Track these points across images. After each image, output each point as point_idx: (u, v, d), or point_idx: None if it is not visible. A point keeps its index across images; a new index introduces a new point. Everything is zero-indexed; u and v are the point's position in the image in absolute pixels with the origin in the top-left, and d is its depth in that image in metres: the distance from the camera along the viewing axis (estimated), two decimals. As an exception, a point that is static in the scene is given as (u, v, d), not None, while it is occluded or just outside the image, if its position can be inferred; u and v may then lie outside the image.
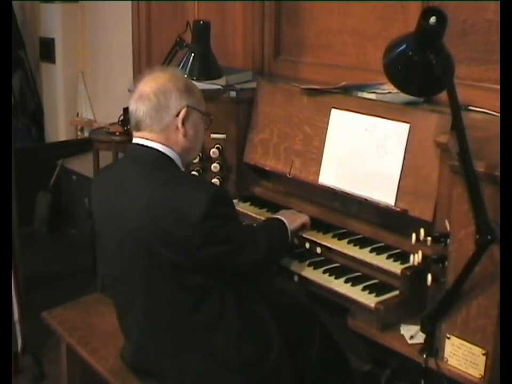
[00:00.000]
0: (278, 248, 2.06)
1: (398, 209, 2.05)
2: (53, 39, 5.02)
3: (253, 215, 2.42)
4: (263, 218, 2.36)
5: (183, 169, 1.93)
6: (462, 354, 1.72)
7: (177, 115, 1.86)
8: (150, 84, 1.87)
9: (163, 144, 1.86)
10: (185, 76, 2.00)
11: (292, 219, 2.17)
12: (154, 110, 1.85)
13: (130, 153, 1.93)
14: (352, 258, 2.10)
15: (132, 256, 1.83)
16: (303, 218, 2.21)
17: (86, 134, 4.86)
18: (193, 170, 2.61)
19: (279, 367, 1.89)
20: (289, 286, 2.19)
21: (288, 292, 2.20)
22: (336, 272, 2.08)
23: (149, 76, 1.90)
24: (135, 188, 1.82)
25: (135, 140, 1.90)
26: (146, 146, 1.86)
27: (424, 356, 1.75)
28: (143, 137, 1.87)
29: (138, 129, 1.89)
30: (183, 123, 1.87)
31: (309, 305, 2.15)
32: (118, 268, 1.91)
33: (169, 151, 1.87)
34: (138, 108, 1.86)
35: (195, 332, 1.82)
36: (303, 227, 2.21)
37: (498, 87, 1.92)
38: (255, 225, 2.20)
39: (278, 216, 2.17)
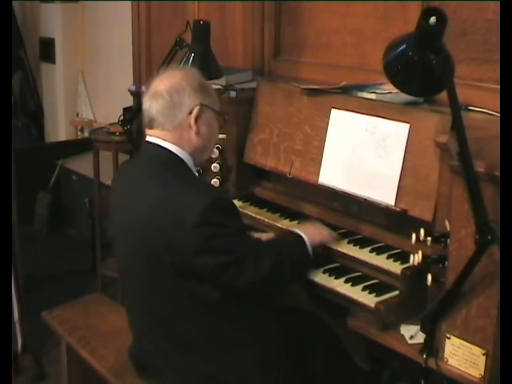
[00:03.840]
0: (287, 269, 1.88)
1: (398, 209, 2.05)
2: (53, 39, 5.02)
3: (253, 215, 2.42)
4: (263, 218, 2.37)
5: (194, 170, 1.91)
6: (462, 354, 1.72)
7: (190, 113, 1.85)
8: (164, 82, 1.86)
9: (175, 144, 1.85)
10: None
11: (314, 235, 2.04)
12: (167, 108, 1.84)
13: (144, 151, 1.93)
14: (352, 258, 2.10)
15: (136, 256, 1.83)
16: (326, 235, 2.09)
17: (86, 134, 4.86)
18: (193, 170, 2.61)
19: (284, 374, 1.88)
20: (289, 286, 2.19)
21: (291, 295, 2.20)
22: (336, 272, 2.08)
23: (163, 74, 1.90)
24: (144, 188, 1.82)
25: (147, 138, 1.90)
26: (158, 145, 1.86)
27: (424, 356, 1.75)
28: (155, 136, 1.87)
29: (151, 126, 1.88)
30: (195, 121, 1.86)
31: (313, 308, 2.14)
32: (125, 265, 1.93)
33: (180, 151, 1.86)
34: (152, 106, 1.85)
35: (197, 335, 1.82)
36: (326, 242, 2.11)
37: (498, 87, 1.92)
38: (271, 238, 2.09)
39: (298, 231, 2.02)
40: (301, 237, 2.00)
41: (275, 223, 2.35)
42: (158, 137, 1.86)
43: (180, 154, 1.86)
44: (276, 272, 1.85)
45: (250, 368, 1.84)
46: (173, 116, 1.84)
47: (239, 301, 1.84)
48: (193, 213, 1.69)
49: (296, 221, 2.32)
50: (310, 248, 1.99)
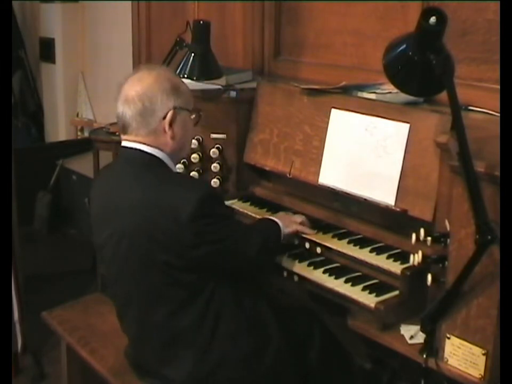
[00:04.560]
0: (270, 248, 2.07)
1: (398, 209, 2.05)
2: (53, 39, 5.02)
3: (253, 215, 2.42)
4: (263, 218, 2.37)
5: (174, 168, 1.93)
6: (462, 354, 1.72)
7: (164, 118, 1.84)
8: (135, 87, 1.84)
9: (151, 146, 1.85)
10: (175, 73, 1.99)
11: (287, 223, 2.16)
12: (140, 115, 1.83)
13: (122, 156, 1.92)
14: (352, 258, 2.10)
15: (127, 258, 1.84)
16: (299, 226, 2.19)
17: (86, 134, 4.86)
18: (193, 170, 2.61)
19: (279, 363, 1.90)
20: (289, 286, 2.19)
21: (288, 292, 2.20)
22: (336, 272, 2.08)
23: (134, 77, 1.88)
24: (127, 190, 1.82)
25: (123, 143, 1.90)
26: (135, 149, 1.86)
27: (424, 356, 1.75)
28: (130, 140, 1.87)
29: (125, 132, 1.88)
30: (170, 125, 1.85)
31: (309, 304, 2.16)
32: (115, 269, 1.93)
33: (157, 152, 1.86)
34: (125, 112, 1.85)
35: (190, 329, 1.83)
36: (298, 233, 2.19)
37: (498, 87, 1.91)
38: (248, 223, 2.21)
39: (273, 218, 2.16)
40: (276, 223, 2.12)
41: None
42: (134, 141, 1.86)
43: (158, 155, 1.86)
44: (263, 249, 1.99)
45: (245, 359, 1.85)
46: (147, 122, 1.83)
47: (234, 293, 1.87)
48: (188, 209, 1.72)
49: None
50: (282, 233, 2.10)
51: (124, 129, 1.88)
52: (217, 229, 1.80)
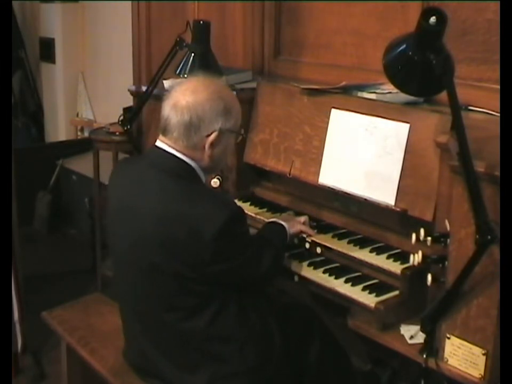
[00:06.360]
0: (280, 257, 2.07)
1: (398, 209, 2.05)
2: (53, 39, 5.02)
3: (253, 215, 2.42)
4: (263, 218, 2.36)
5: (204, 179, 1.90)
6: (462, 354, 1.72)
7: (207, 136, 1.81)
8: (187, 97, 1.80)
9: (187, 156, 1.82)
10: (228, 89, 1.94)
11: (292, 224, 2.17)
12: (184, 127, 1.79)
13: (152, 156, 1.88)
14: (352, 258, 2.10)
15: (139, 262, 1.82)
16: (303, 227, 2.20)
17: (86, 134, 4.86)
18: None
19: (280, 365, 1.90)
20: (289, 286, 2.19)
21: (288, 292, 2.21)
22: (336, 272, 2.08)
23: (189, 85, 1.84)
24: (152, 196, 1.79)
25: (159, 143, 1.85)
26: (168, 152, 1.83)
27: (424, 356, 1.76)
28: (167, 144, 1.83)
29: (164, 135, 1.84)
30: (211, 145, 1.82)
31: (309, 304, 2.16)
32: (124, 269, 1.91)
33: (191, 161, 1.83)
34: (170, 117, 1.80)
35: (196, 337, 1.82)
36: (302, 233, 2.20)
37: (498, 87, 1.92)
38: (257, 233, 2.19)
39: (279, 221, 2.16)
40: (283, 226, 2.14)
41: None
42: (171, 146, 1.83)
43: (191, 164, 1.83)
44: (274, 264, 1.99)
45: (251, 371, 1.85)
46: (189, 136, 1.80)
47: (241, 302, 1.87)
48: (212, 227, 1.70)
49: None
50: (288, 235, 2.14)
51: (164, 132, 1.83)
52: (237, 248, 1.80)
